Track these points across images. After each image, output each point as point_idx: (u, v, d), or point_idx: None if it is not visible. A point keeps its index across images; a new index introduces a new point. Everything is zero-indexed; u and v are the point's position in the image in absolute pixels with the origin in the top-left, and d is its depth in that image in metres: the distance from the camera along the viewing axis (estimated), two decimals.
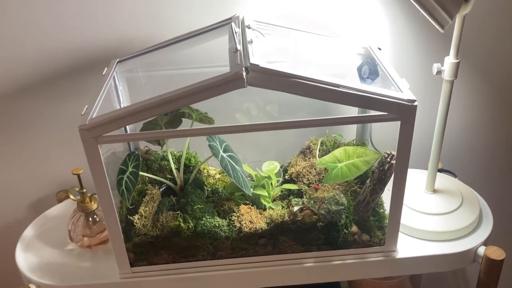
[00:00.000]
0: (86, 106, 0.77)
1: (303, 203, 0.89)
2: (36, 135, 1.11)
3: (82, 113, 0.76)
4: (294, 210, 0.88)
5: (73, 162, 1.06)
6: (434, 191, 1.02)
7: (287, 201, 0.93)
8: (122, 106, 0.95)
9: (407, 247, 0.92)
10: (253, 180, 0.96)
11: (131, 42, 1.03)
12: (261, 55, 0.73)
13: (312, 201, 0.88)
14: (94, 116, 0.75)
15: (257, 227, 0.87)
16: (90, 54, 1.03)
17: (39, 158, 1.14)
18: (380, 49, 0.95)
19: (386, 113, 0.76)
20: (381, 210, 0.91)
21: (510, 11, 1.07)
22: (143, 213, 0.86)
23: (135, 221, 0.85)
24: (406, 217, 0.95)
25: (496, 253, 0.90)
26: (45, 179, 1.17)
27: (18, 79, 1.04)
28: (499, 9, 1.07)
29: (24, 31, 0.99)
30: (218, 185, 0.96)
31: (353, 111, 1.00)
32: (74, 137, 0.74)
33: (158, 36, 1.01)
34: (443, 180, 1.07)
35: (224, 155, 0.87)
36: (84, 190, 0.94)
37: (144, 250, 0.87)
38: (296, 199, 0.90)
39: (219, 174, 1.01)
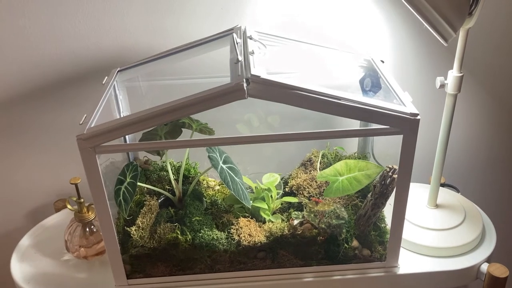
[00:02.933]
0: (85, 115, 0.77)
1: (303, 217, 0.88)
2: (34, 144, 1.10)
3: (81, 122, 0.75)
4: (294, 224, 0.87)
5: (71, 171, 1.05)
6: (437, 206, 1.01)
7: (287, 214, 0.92)
8: (122, 116, 0.94)
9: (408, 262, 0.91)
10: (253, 192, 0.95)
11: (132, 51, 1.02)
12: (262, 66, 0.73)
13: (312, 215, 0.87)
14: (92, 125, 0.74)
15: (256, 240, 0.86)
16: (91, 63, 1.03)
17: (37, 167, 1.13)
18: (383, 61, 0.94)
19: (388, 126, 0.75)
20: (382, 225, 0.90)
21: None
22: (140, 225, 0.85)
23: (132, 232, 0.84)
24: (408, 232, 0.94)
25: (500, 270, 0.89)
26: (43, 188, 1.16)
27: (17, 87, 1.04)
28: (502, 23, 1.06)
29: (24, 39, 0.99)
30: (217, 197, 0.95)
31: (355, 124, 0.99)
32: (72, 146, 0.73)
33: (159, 46, 1.01)
34: (445, 195, 1.05)
35: (224, 166, 0.86)
36: (82, 200, 0.93)
37: (141, 262, 0.85)
38: (296, 212, 0.89)
39: (219, 185, 1.00)
